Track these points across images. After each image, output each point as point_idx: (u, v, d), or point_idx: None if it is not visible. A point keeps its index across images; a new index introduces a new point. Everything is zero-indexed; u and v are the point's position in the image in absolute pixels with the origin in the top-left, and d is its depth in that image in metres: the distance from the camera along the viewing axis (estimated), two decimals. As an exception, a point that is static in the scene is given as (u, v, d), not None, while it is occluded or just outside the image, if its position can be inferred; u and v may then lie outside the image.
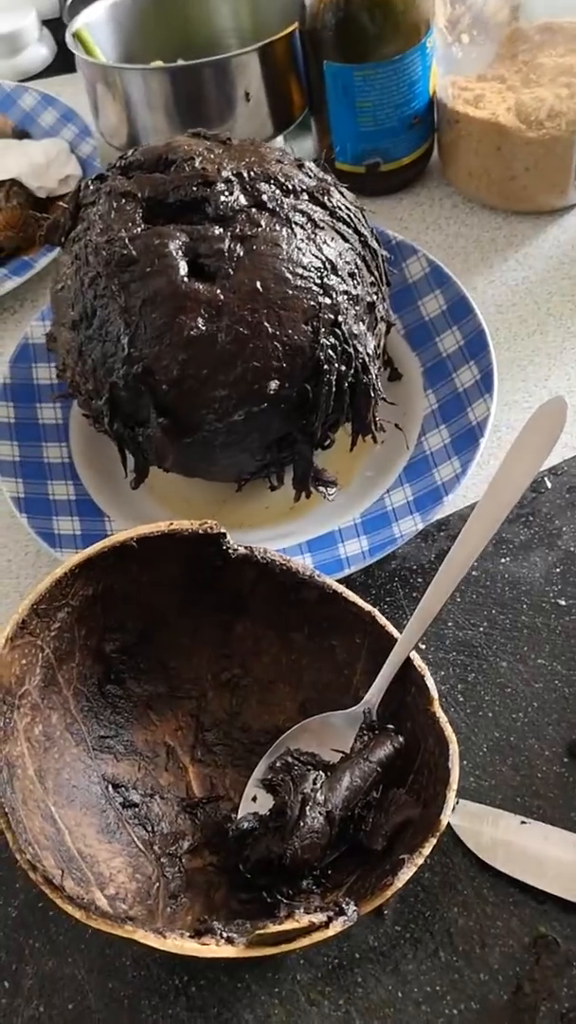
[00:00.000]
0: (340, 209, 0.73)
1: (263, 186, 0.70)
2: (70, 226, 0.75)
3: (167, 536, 0.65)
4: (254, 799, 0.64)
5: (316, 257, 0.69)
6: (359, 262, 0.73)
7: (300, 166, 0.75)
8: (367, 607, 0.66)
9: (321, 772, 0.61)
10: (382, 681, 0.64)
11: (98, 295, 0.69)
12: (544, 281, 0.98)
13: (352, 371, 0.71)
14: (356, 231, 0.74)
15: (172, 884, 0.61)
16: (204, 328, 0.67)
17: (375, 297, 0.74)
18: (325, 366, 0.69)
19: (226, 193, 0.69)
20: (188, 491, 0.85)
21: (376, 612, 0.66)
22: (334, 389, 0.70)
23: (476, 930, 0.60)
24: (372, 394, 0.73)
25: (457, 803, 0.64)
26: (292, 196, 0.71)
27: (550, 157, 0.96)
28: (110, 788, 0.65)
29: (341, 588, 0.66)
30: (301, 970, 0.60)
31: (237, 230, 0.68)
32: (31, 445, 0.87)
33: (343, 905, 0.54)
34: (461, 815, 0.64)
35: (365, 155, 1.05)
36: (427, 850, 0.56)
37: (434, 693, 0.62)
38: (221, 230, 0.68)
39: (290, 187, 0.71)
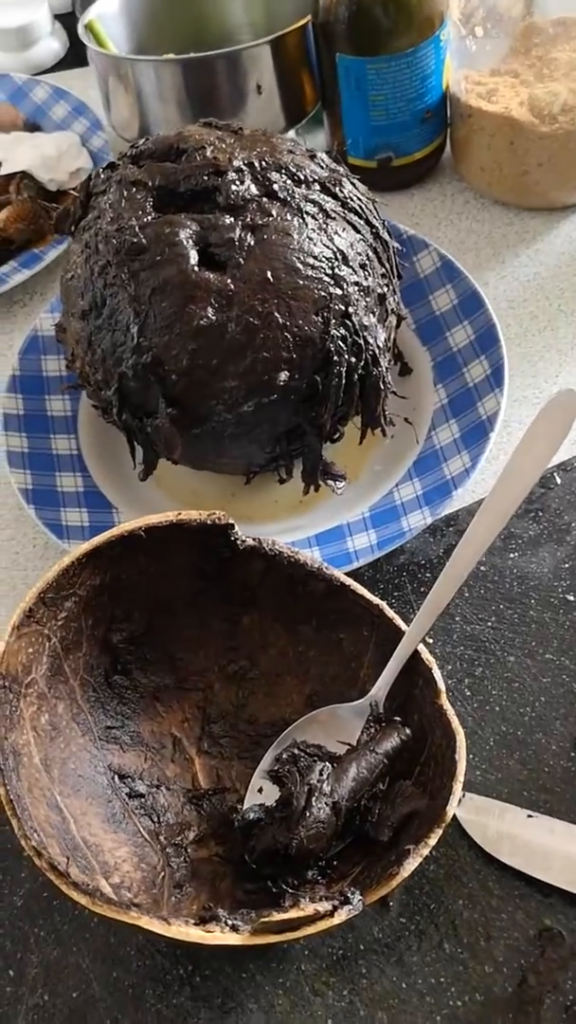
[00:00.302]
0: (352, 200, 0.73)
1: (274, 176, 0.70)
2: (80, 215, 0.75)
3: (175, 527, 0.65)
4: (260, 790, 0.64)
5: (327, 247, 0.69)
6: (370, 253, 0.73)
7: (312, 157, 0.75)
8: (375, 600, 0.66)
9: (328, 763, 0.61)
10: (389, 674, 0.64)
11: (108, 284, 0.69)
12: (556, 277, 0.98)
13: (362, 363, 0.71)
14: (368, 222, 0.74)
15: (177, 874, 0.61)
16: (214, 318, 0.66)
17: (386, 289, 0.74)
18: (335, 357, 0.69)
19: (237, 182, 0.69)
20: (197, 484, 0.85)
21: (384, 605, 0.65)
22: (344, 381, 0.70)
23: (481, 922, 0.60)
24: (382, 387, 0.73)
25: (463, 796, 0.64)
26: (304, 186, 0.71)
27: (563, 152, 0.96)
28: (116, 778, 0.65)
29: (349, 581, 0.66)
30: (306, 960, 0.60)
31: (248, 219, 0.68)
32: (40, 437, 0.86)
33: (348, 895, 0.54)
34: (467, 808, 0.64)
35: (377, 149, 1.04)
36: (432, 841, 0.56)
37: (441, 686, 0.62)
38: (232, 219, 0.68)
39: (301, 177, 0.71)
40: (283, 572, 0.67)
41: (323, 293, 0.68)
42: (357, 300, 0.70)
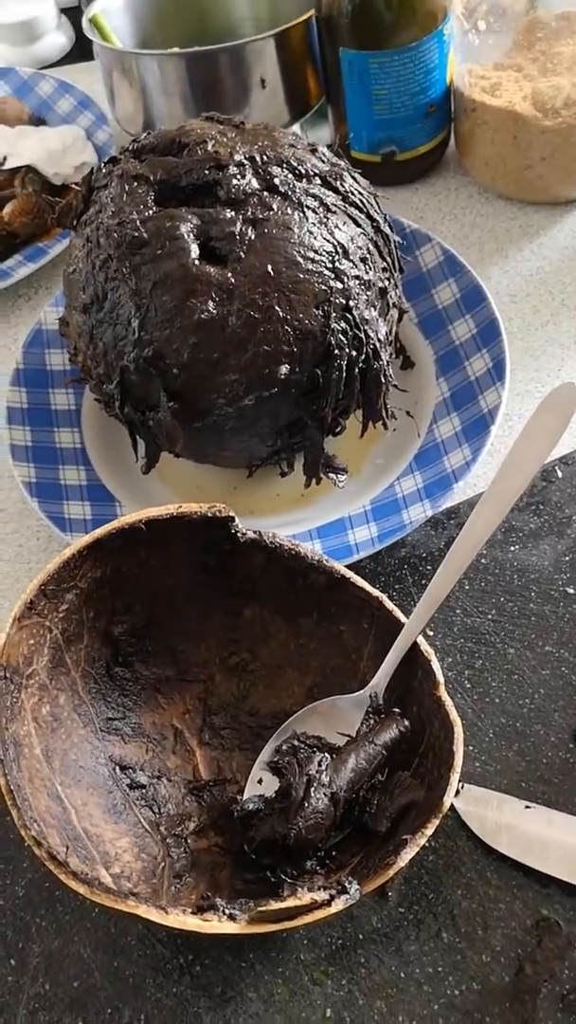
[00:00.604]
0: (353, 194, 0.73)
1: (275, 170, 0.70)
2: (82, 209, 0.75)
3: (176, 519, 0.65)
4: (260, 781, 0.64)
5: (328, 241, 0.69)
6: (371, 247, 0.73)
7: (313, 151, 0.75)
8: (375, 592, 0.66)
9: (327, 754, 0.61)
10: (388, 665, 0.64)
11: (109, 278, 0.69)
12: (559, 271, 0.98)
13: (363, 357, 0.71)
14: (369, 216, 0.74)
15: (177, 864, 0.62)
16: (215, 311, 0.67)
17: (387, 283, 0.74)
18: (336, 351, 0.69)
19: (238, 176, 0.69)
20: (199, 477, 0.86)
21: (383, 597, 0.66)
22: (344, 374, 0.70)
23: (479, 912, 0.61)
24: (383, 380, 0.73)
25: (462, 787, 0.65)
26: (304, 180, 0.71)
27: (566, 146, 0.96)
28: (117, 769, 0.65)
29: (349, 573, 0.67)
30: (305, 950, 0.61)
31: (249, 213, 0.68)
32: (43, 430, 0.87)
33: (346, 884, 0.54)
34: (466, 799, 0.64)
35: (381, 144, 1.04)
36: (429, 831, 0.56)
37: (440, 677, 0.62)
38: (233, 213, 0.68)
39: (302, 171, 0.71)
40: (284, 565, 0.68)
41: (324, 287, 0.68)
42: (358, 294, 0.70)
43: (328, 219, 0.70)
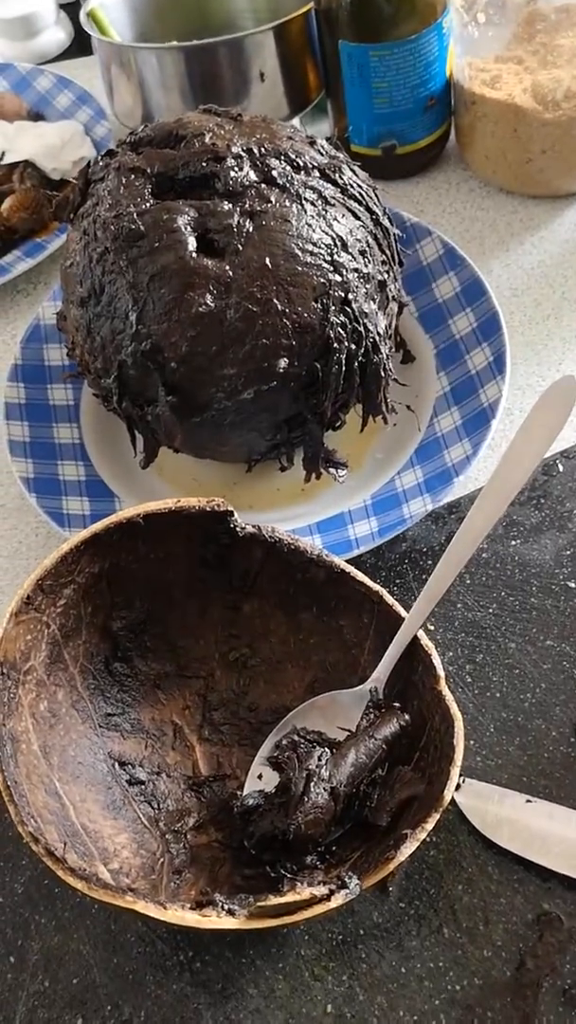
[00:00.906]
0: (351, 187, 0.73)
1: (273, 162, 0.70)
2: (79, 202, 0.75)
3: (174, 513, 0.65)
4: (260, 777, 0.64)
5: (326, 234, 0.69)
6: (370, 240, 0.73)
7: (312, 143, 0.74)
8: (374, 587, 0.66)
9: (326, 749, 0.61)
10: (388, 660, 0.64)
11: (106, 271, 0.69)
12: (560, 265, 0.98)
13: (362, 350, 0.71)
14: (368, 209, 0.74)
15: (177, 860, 0.61)
16: (213, 304, 0.66)
17: (387, 276, 0.74)
18: (335, 344, 0.69)
19: (236, 169, 0.69)
20: (198, 472, 0.85)
21: (383, 591, 0.65)
22: (344, 368, 0.70)
23: (480, 907, 0.60)
24: (383, 374, 0.73)
25: (463, 782, 0.64)
26: (303, 173, 0.71)
27: (567, 139, 0.96)
28: (116, 765, 0.65)
29: (349, 568, 0.66)
30: (305, 945, 0.61)
31: (246, 206, 0.68)
32: (42, 426, 0.87)
33: (345, 879, 0.54)
34: (467, 794, 0.64)
35: (381, 137, 1.04)
36: (430, 826, 0.56)
37: (440, 672, 0.62)
38: (230, 206, 0.68)
39: (301, 164, 0.71)
40: (283, 559, 0.67)
41: (322, 280, 0.68)
42: (357, 287, 0.70)
43: (327, 212, 0.70)
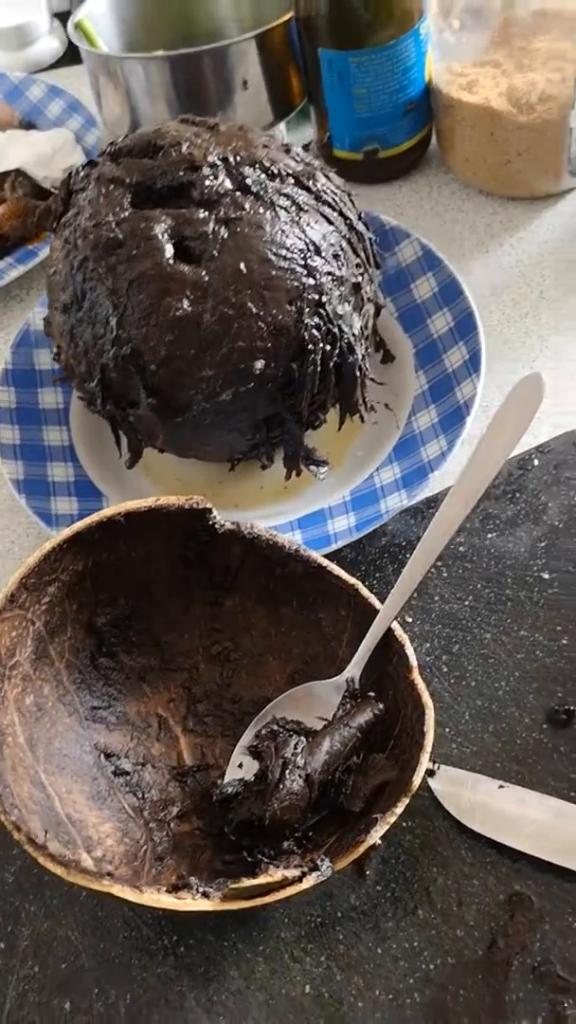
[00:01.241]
0: (325, 193, 0.75)
1: (248, 170, 0.72)
2: (61, 211, 0.77)
3: (154, 512, 0.67)
4: (240, 765, 0.66)
5: (300, 239, 0.71)
6: (344, 244, 0.74)
7: (287, 151, 0.76)
8: (351, 580, 0.67)
9: (303, 738, 0.63)
10: (363, 651, 0.66)
11: (87, 278, 0.71)
12: (537, 264, 1.00)
13: (337, 351, 0.72)
14: (341, 214, 0.75)
15: (159, 847, 0.63)
16: (189, 309, 0.68)
17: (361, 278, 0.76)
18: (310, 346, 0.70)
19: (211, 178, 0.71)
20: (184, 472, 0.87)
21: (359, 585, 0.67)
22: (319, 369, 0.72)
23: (454, 889, 0.62)
24: (358, 374, 0.74)
25: (438, 768, 0.66)
26: (277, 180, 0.73)
27: (542, 141, 0.98)
28: (102, 757, 0.67)
29: (325, 562, 0.68)
30: (285, 928, 0.62)
31: (221, 213, 0.70)
32: (32, 429, 0.89)
33: (318, 861, 0.56)
34: (442, 780, 0.66)
35: (362, 142, 1.06)
36: (399, 809, 0.58)
37: (413, 662, 0.64)
38: (206, 213, 0.70)
39: (275, 171, 0.73)
40: (262, 555, 0.69)
41: (296, 283, 0.70)
42: (331, 289, 0.72)
43: (300, 217, 0.72)
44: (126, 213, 0.71)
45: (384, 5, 0.95)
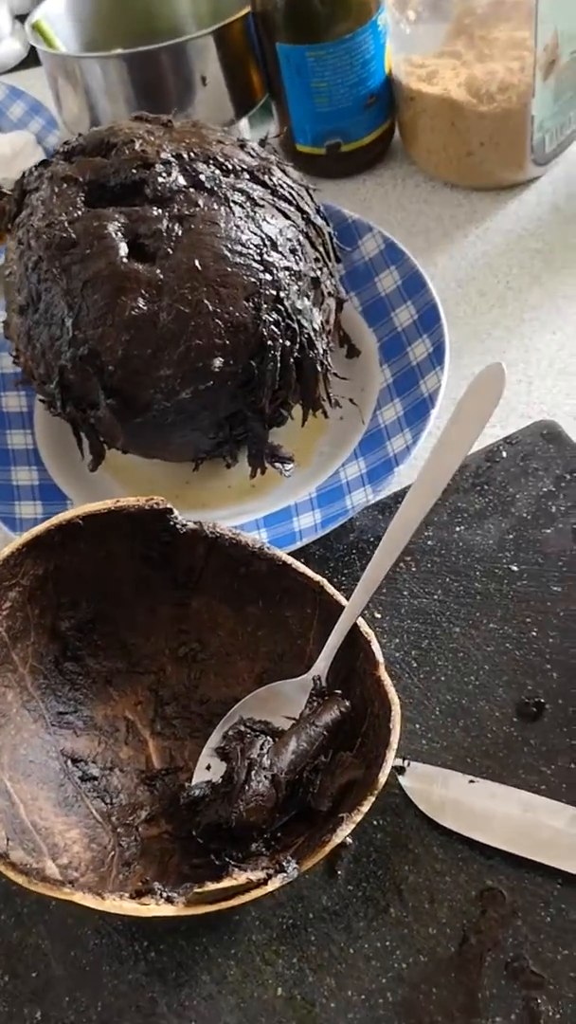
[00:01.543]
0: (282, 187, 0.74)
1: (201, 166, 0.71)
2: (15, 212, 0.76)
3: (113, 513, 0.66)
4: (208, 767, 0.65)
5: (255, 234, 0.70)
6: (301, 238, 0.74)
7: (242, 146, 0.76)
8: (316, 577, 0.67)
9: (269, 738, 0.62)
10: (329, 649, 0.65)
11: (41, 279, 0.70)
12: (503, 255, 0.99)
13: (297, 347, 0.72)
14: (299, 208, 0.75)
15: (127, 853, 0.62)
16: (145, 308, 0.68)
17: (320, 273, 0.75)
18: (269, 342, 0.70)
19: (164, 174, 0.70)
20: (151, 473, 0.87)
21: (325, 582, 0.67)
22: (279, 365, 0.71)
23: (426, 886, 0.62)
24: (319, 369, 0.74)
25: (408, 765, 0.66)
26: (232, 176, 0.72)
27: (504, 131, 0.97)
28: (69, 762, 0.66)
29: (290, 559, 0.68)
30: (256, 931, 0.62)
31: (175, 210, 0.69)
32: (-5, 433, 0.88)
33: (283, 863, 0.55)
34: (412, 776, 0.65)
35: (324, 136, 1.05)
36: (365, 808, 0.57)
37: (379, 658, 0.63)
38: (160, 211, 0.69)
39: (230, 167, 0.72)
40: (225, 554, 0.69)
41: (253, 279, 0.69)
42: (288, 285, 0.71)
43: (255, 213, 0.71)
44: (79, 212, 0.70)
45: (340, -2, 0.94)
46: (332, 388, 0.77)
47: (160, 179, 0.70)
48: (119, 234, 0.69)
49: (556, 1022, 0.56)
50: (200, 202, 0.70)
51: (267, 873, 0.55)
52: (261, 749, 0.61)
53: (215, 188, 0.70)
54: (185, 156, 0.71)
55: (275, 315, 0.70)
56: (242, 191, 0.71)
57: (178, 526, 0.68)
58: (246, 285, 0.69)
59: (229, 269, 0.69)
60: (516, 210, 1.03)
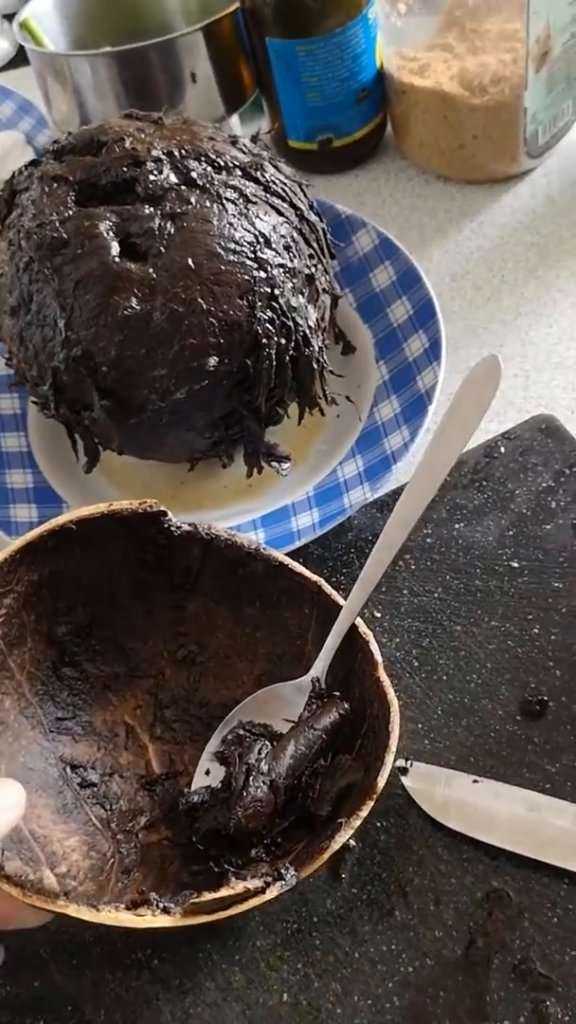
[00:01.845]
0: (274, 184, 0.74)
1: (193, 164, 0.70)
2: (5, 213, 0.75)
3: (107, 517, 0.65)
4: (207, 772, 0.65)
5: (248, 232, 0.69)
6: (295, 235, 0.73)
7: (234, 142, 0.75)
8: (313, 577, 0.66)
9: (267, 742, 0.62)
10: (327, 650, 0.65)
11: (33, 280, 0.70)
12: (498, 248, 0.99)
13: (292, 344, 0.71)
14: (292, 204, 0.74)
15: (127, 860, 0.62)
16: (138, 307, 0.67)
17: (314, 269, 0.74)
18: (263, 340, 0.69)
19: (155, 172, 0.69)
20: (146, 474, 0.86)
21: (322, 582, 0.66)
22: (275, 363, 0.70)
23: (431, 888, 0.61)
24: (315, 366, 0.73)
25: (411, 765, 0.65)
26: (224, 172, 0.71)
27: (496, 123, 0.97)
28: (68, 769, 0.65)
29: (287, 560, 0.67)
30: (261, 936, 0.61)
31: (167, 208, 0.68)
32: (-12, 436, 0.87)
33: (282, 870, 0.55)
34: (415, 777, 0.65)
35: (316, 131, 1.05)
36: (364, 812, 0.57)
37: (378, 658, 0.62)
38: (151, 209, 0.68)
39: (222, 164, 0.72)
40: (221, 555, 0.68)
41: (246, 277, 0.69)
42: (283, 282, 0.70)
43: (248, 210, 0.70)
44: (70, 212, 0.69)
45: (330, -9, 0.94)
46: (328, 385, 0.76)
47: (151, 177, 0.69)
48: (111, 233, 0.68)
49: (565, 1025, 0.56)
50: (192, 200, 0.69)
51: (265, 882, 0.54)
52: (259, 754, 0.61)
53: (207, 185, 0.70)
54: (176, 153, 0.71)
55: (270, 313, 0.69)
56: (234, 188, 0.71)
57: (173, 528, 0.67)
58: (240, 283, 0.68)
59: (223, 267, 0.68)
60: (510, 203, 1.02)
